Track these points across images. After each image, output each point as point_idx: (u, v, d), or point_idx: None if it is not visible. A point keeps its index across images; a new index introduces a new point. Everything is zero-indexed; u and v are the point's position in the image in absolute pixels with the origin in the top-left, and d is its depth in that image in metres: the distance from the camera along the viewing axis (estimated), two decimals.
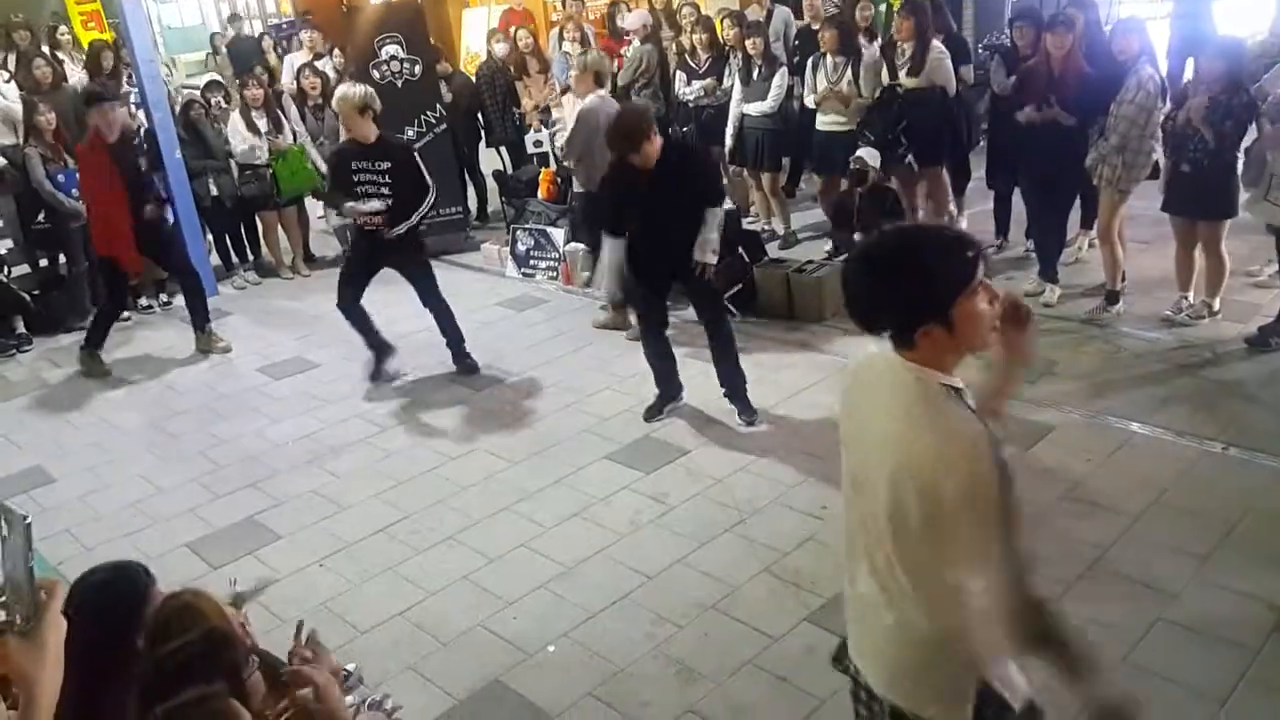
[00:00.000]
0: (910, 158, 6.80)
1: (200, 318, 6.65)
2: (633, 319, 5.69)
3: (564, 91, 7.56)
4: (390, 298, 6.17)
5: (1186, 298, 5.60)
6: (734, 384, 5.01)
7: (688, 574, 3.88)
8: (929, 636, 1.81)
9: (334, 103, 5.65)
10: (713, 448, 4.81)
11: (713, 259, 4.85)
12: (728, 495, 4.39)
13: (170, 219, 6.90)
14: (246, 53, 11.97)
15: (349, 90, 5.59)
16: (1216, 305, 5.55)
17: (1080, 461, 4.37)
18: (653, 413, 5.12)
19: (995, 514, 1.65)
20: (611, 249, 4.90)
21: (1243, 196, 5.29)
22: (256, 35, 13.54)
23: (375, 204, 5.48)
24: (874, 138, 6.78)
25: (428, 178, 5.63)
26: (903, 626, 1.85)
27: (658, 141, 4.66)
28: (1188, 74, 6.35)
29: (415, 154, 5.80)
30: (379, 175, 5.54)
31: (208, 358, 6.58)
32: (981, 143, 7.04)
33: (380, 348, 5.92)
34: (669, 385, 5.14)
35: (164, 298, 7.62)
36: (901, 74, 6.69)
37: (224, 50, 12.83)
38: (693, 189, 4.77)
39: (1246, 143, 5.21)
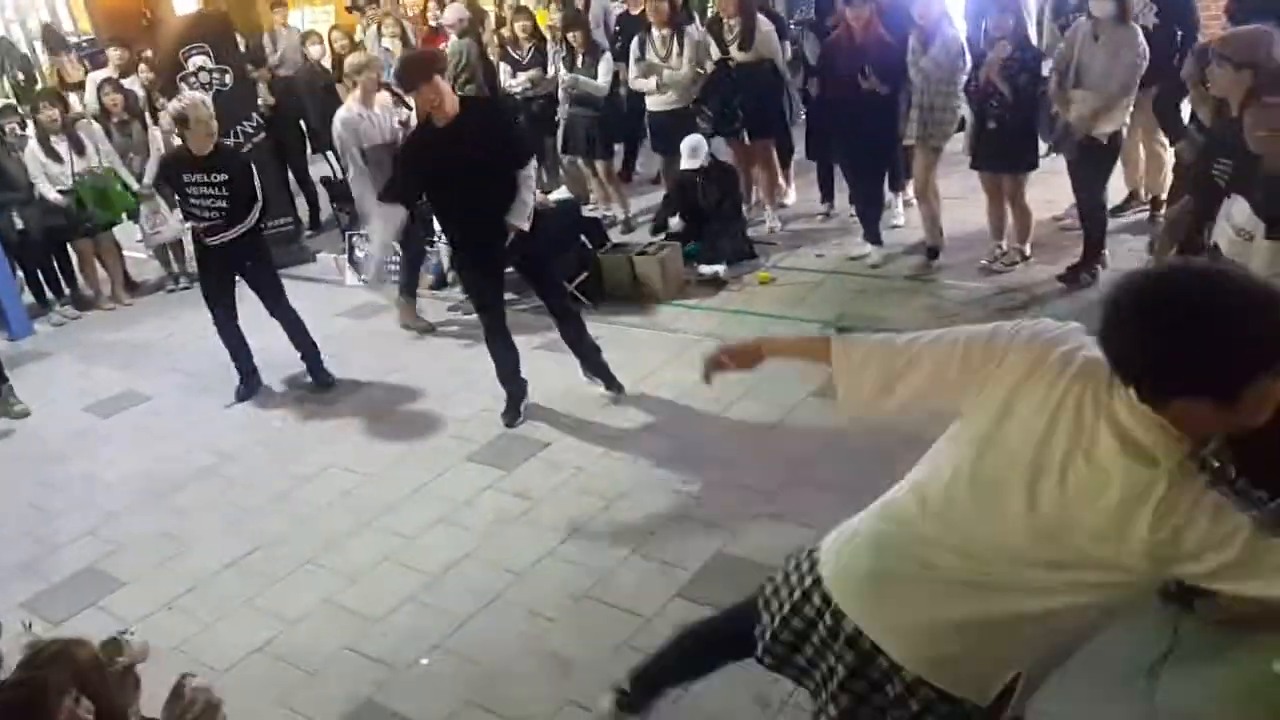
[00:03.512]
0: (745, 131, 6.86)
1: None
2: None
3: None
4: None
5: (1000, 246, 5.86)
6: (594, 361, 4.98)
7: (557, 566, 3.80)
8: (1039, 642, 1.75)
9: (188, 111, 5.19)
10: (572, 437, 4.73)
11: (524, 224, 4.62)
12: (590, 484, 4.33)
13: None
14: None
15: (204, 105, 5.30)
16: (1028, 250, 5.84)
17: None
18: (512, 416, 4.94)
19: None
20: (387, 217, 4.74)
21: (1043, 147, 5.56)
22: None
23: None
24: (712, 113, 6.80)
25: (258, 190, 5.39)
26: (1014, 639, 1.75)
27: (449, 93, 4.45)
28: None
29: (251, 165, 5.52)
30: (215, 188, 5.25)
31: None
32: (801, 116, 7.18)
33: (247, 376, 5.65)
34: (516, 383, 4.98)
35: None
36: (732, 49, 6.71)
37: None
38: (499, 147, 4.56)
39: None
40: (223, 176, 5.26)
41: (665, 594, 3.52)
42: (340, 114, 6.08)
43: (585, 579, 3.68)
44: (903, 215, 6.72)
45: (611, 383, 4.97)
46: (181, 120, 5.24)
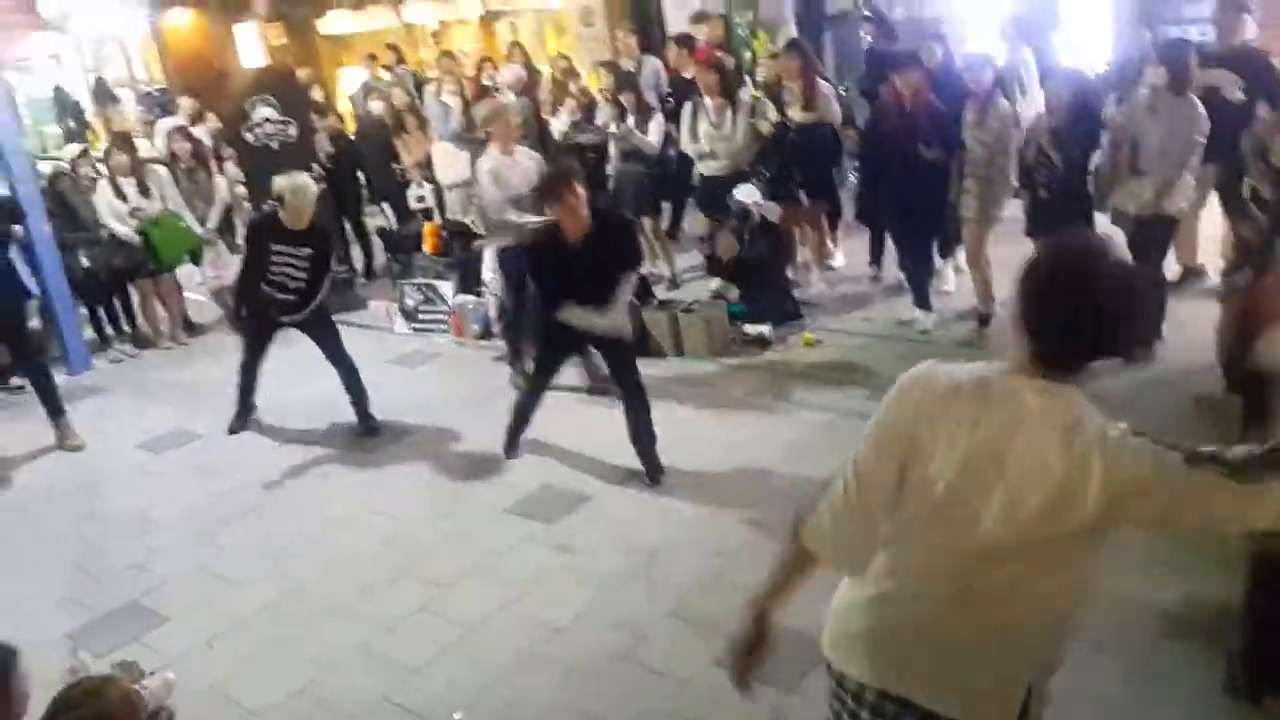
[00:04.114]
0: (802, 192, 6.88)
1: (54, 409, 6.05)
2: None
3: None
4: (278, 362, 5.94)
5: None
6: (645, 448, 4.78)
7: (595, 624, 3.76)
8: (1028, 640, 1.84)
9: (292, 193, 5.37)
10: (613, 493, 4.71)
11: (628, 329, 4.85)
12: (630, 541, 4.29)
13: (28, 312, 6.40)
14: None
15: (309, 185, 5.51)
16: None
17: None
18: (512, 448, 5.13)
19: None
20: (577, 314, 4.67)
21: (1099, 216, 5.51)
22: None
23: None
24: (770, 174, 6.84)
25: (332, 264, 5.60)
26: (1007, 643, 1.82)
27: (585, 201, 4.49)
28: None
29: (332, 241, 5.69)
30: (300, 260, 5.44)
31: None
32: (852, 179, 7.21)
33: (247, 410, 5.88)
34: (525, 422, 5.13)
35: None
36: (792, 110, 6.76)
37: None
38: (617, 258, 4.69)
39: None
40: (307, 250, 5.44)
41: (704, 658, 3.45)
42: (483, 164, 5.95)
43: (623, 639, 3.64)
44: (953, 281, 6.68)
45: (653, 470, 4.76)
46: (279, 198, 5.43)
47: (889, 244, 6.78)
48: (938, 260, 6.53)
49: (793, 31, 9.45)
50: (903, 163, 5.83)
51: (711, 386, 5.76)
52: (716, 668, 3.36)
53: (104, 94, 15.92)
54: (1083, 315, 1.71)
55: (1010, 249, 6.21)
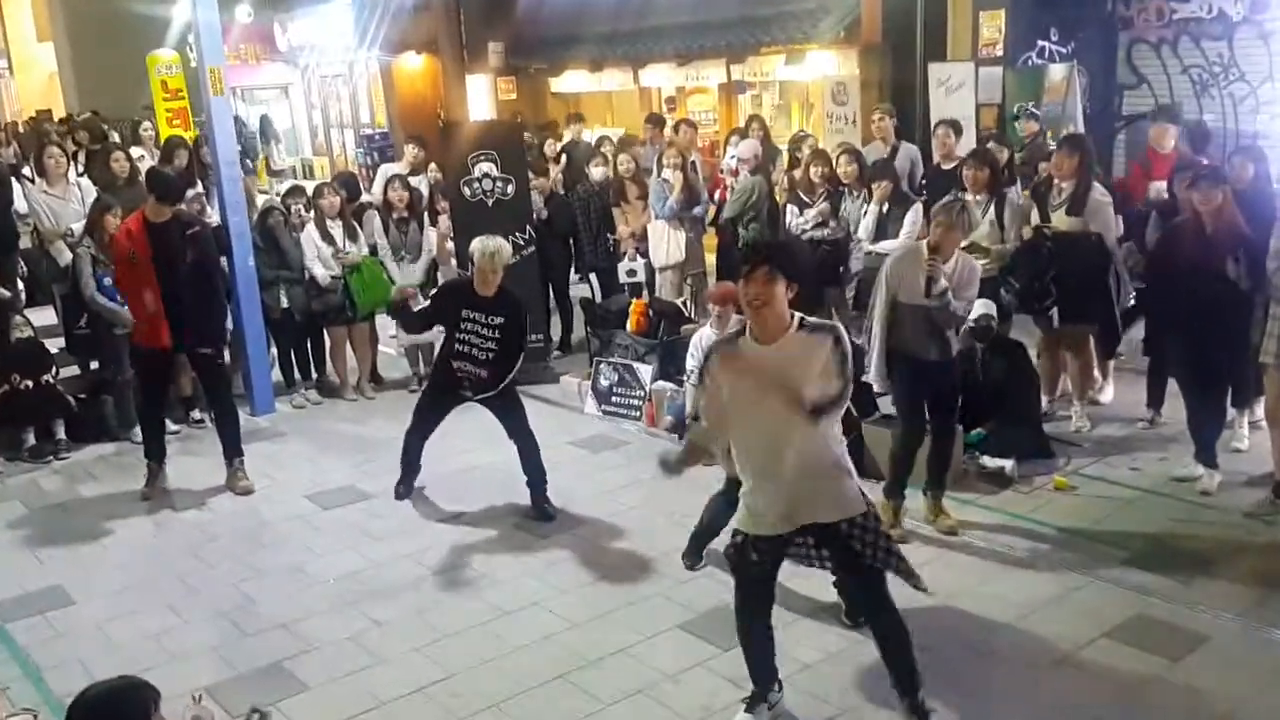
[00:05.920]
0: (1055, 311, 6.67)
1: (232, 449, 6.67)
2: None
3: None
4: (460, 428, 6.29)
5: None
6: (851, 599, 4.64)
7: None
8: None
9: (482, 255, 5.84)
10: (803, 626, 4.66)
11: None
12: (819, 686, 4.21)
13: (224, 359, 7.04)
14: None
15: (504, 249, 5.93)
16: None
17: (1239, 681, 4.10)
18: (695, 559, 5.28)
19: None
20: None
21: None
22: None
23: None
24: (1019, 285, 6.67)
25: (525, 338, 6.04)
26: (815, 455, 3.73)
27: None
28: None
29: (524, 311, 6.09)
30: (490, 330, 5.84)
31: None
32: (1132, 301, 6.90)
33: (411, 476, 6.29)
34: (714, 532, 5.12)
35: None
36: (1057, 213, 6.62)
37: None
38: None
39: None
40: (499, 320, 5.84)
41: None
42: (906, 258, 5.49)
43: None
44: (1247, 439, 6.25)
45: (854, 609, 4.57)
46: (470, 256, 5.89)
47: (1174, 384, 6.43)
48: (1231, 411, 6.15)
49: (1078, 127, 9.29)
50: (1197, 295, 5.57)
51: (933, 523, 5.61)
52: None
53: (268, 132, 18.31)
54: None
55: None
